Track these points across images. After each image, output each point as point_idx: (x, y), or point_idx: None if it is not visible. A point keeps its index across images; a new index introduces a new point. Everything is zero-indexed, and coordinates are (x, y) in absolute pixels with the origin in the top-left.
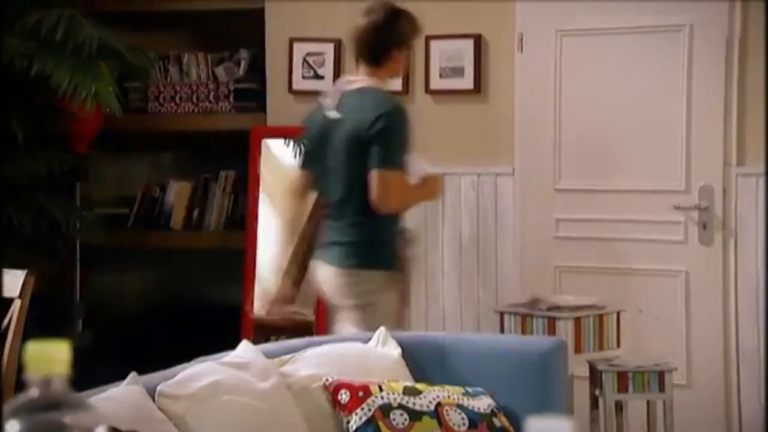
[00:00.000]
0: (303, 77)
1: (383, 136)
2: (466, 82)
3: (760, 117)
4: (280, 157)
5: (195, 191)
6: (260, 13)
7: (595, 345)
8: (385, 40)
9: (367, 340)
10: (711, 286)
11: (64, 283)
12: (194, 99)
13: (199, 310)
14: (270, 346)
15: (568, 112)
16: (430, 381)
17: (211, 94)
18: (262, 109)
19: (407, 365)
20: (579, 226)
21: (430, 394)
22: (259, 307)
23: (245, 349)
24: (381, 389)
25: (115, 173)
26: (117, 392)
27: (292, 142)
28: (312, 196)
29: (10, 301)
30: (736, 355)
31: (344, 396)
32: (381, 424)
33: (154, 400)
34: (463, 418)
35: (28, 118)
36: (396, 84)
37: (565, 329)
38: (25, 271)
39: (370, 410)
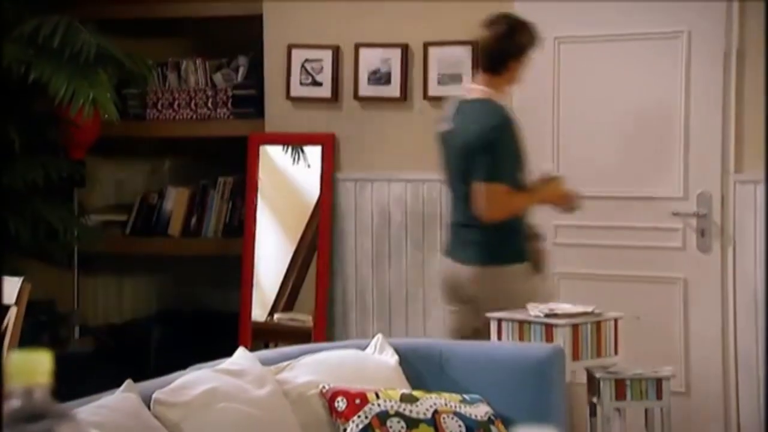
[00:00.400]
0: (301, 84)
1: (488, 148)
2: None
3: (758, 124)
4: (278, 164)
5: (193, 198)
6: (258, 19)
7: (593, 352)
8: (505, 50)
9: (364, 347)
10: (709, 293)
11: (61, 290)
12: (192, 105)
13: (197, 316)
14: (266, 353)
15: (565, 119)
16: (427, 388)
17: (209, 100)
18: (260, 115)
19: (404, 372)
20: (577, 233)
21: (427, 402)
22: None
23: (241, 356)
24: (378, 396)
25: (113, 180)
26: (112, 400)
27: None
28: None
29: (7, 308)
30: (735, 363)
31: (341, 403)
32: (378, 431)
33: (149, 407)
34: (460, 426)
35: (25, 124)
36: (394, 91)
37: (563, 336)
38: (21, 278)
39: (367, 418)
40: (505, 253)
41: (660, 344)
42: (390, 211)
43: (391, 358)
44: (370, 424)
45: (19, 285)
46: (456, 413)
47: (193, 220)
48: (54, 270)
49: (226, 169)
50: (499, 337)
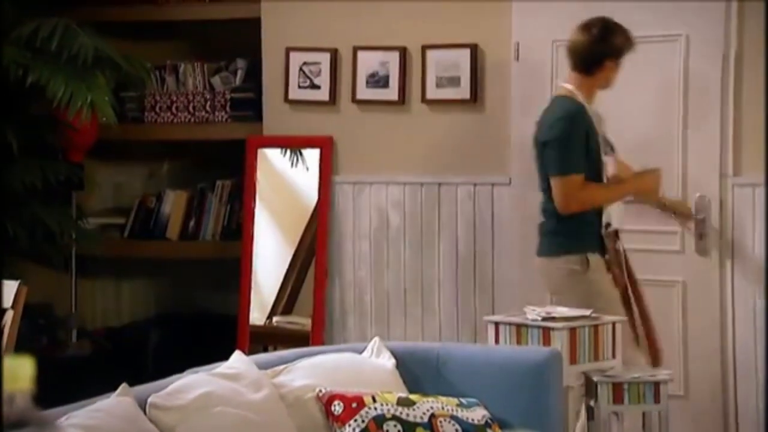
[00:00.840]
0: (299, 87)
1: (557, 142)
2: (463, 91)
3: (757, 126)
4: (276, 167)
5: (191, 201)
6: (256, 22)
7: (591, 356)
8: (600, 52)
9: (361, 351)
10: (708, 296)
11: (59, 294)
12: (190, 108)
13: (195, 320)
14: (263, 356)
15: None
16: (425, 392)
17: (208, 103)
18: (259, 118)
19: (401, 376)
20: None
21: (424, 406)
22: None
23: (237, 359)
24: (375, 400)
25: (111, 183)
26: (107, 404)
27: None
28: None
29: (4, 311)
30: (733, 367)
31: (338, 407)
32: None
33: (145, 411)
34: (457, 430)
35: (23, 127)
36: (393, 94)
37: (560, 340)
38: (18, 282)
39: (363, 421)
40: (573, 245)
41: None
42: (388, 214)
43: (388, 362)
44: (366, 428)
45: (15, 288)
46: (453, 417)
47: (192, 223)
48: (52, 273)
49: (225, 172)
50: (497, 341)
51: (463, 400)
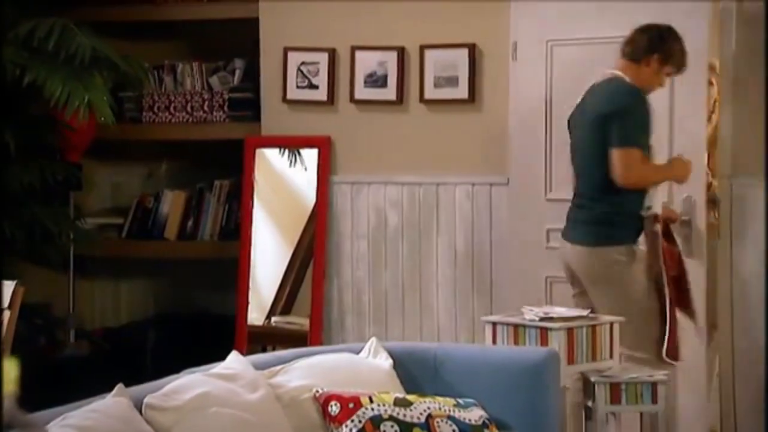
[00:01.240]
0: (297, 86)
1: (622, 115)
2: (461, 91)
3: (756, 127)
4: (274, 167)
5: (189, 201)
6: (254, 22)
7: (588, 356)
8: (653, 45)
9: (358, 351)
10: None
11: (57, 294)
12: (188, 108)
13: (194, 320)
14: (260, 357)
15: (560, 122)
16: (422, 392)
17: (206, 103)
18: (257, 118)
19: (399, 376)
20: None
21: (421, 406)
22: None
23: (234, 360)
24: (371, 401)
25: (110, 183)
26: (102, 404)
27: None
28: None
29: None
30: (732, 367)
31: (334, 408)
32: None
33: (141, 412)
34: (454, 430)
35: (21, 128)
36: (391, 93)
37: (558, 340)
38: (15, 282)
39: (360, 422)
40: (621, 236)
41: None
42: (386, 214)
43: (385, 362)
44: (363, 428)
45: (12, 288)
46: (450, 417)
47: (190, 223)
48: (50, 273)
49: (223, 172)
50: (494, 341)
51: (461, 401)
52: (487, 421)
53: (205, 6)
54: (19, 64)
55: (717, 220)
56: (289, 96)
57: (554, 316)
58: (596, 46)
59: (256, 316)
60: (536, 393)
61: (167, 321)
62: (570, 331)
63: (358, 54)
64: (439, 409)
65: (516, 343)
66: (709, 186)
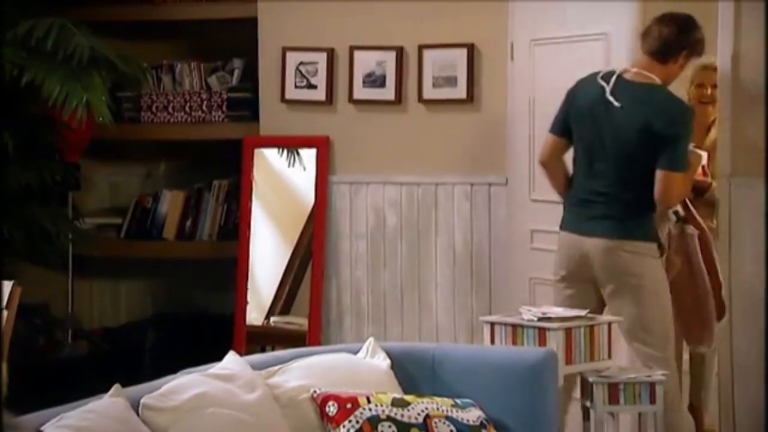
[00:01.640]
0: (296, 86)
1: (677, 140)
2: (459, 91)
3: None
4: (273, 167)
5: (188, 201)
6: (253, 22)
7: (586, 356)
8: (681, 41)
9: (356, 351)
10: None
11: (56, 294)
12: (187, 108)
13: (192, 320)
14: (257, 357)
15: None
16: (420, 392)
17: (204, 103)
18: (255, 118)
19: (397, 376)
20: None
21: (419, 406)
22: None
23: (231, 360)
24: (369, 401)
25: (108, 183)
26: (99, 405)
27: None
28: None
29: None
30: (731, 367)
31: (332, 408)
32: None
33: (138, 412)
34: (452, 430)
35: (19, 128)
36: (389, 93)
37: (556, 340)
38: (12, 282)
39: (358, 422)
40: (653, 232)
41: None
42: (385, 214)
43: (383, 362)
44: (361, 428)
45: (9, 288)
46: (448, 418)
47: (188, 223)
48: (48, 273)
49: (221, 172)
50: (492, 341)
51: (458, 401)
52: (484, 422)
53: (204, 6)
54: (18, 63)
55: (716, 220)
56: (287, 96)
57: (552, 316)
58: (583, 43)
59: (255, 316)
60: (534, 393)
61: (166, 321)
62: (568, 331)
63: (357, 54)
64: (437, 409)
65: (514, 343)
66: (709, 186)
